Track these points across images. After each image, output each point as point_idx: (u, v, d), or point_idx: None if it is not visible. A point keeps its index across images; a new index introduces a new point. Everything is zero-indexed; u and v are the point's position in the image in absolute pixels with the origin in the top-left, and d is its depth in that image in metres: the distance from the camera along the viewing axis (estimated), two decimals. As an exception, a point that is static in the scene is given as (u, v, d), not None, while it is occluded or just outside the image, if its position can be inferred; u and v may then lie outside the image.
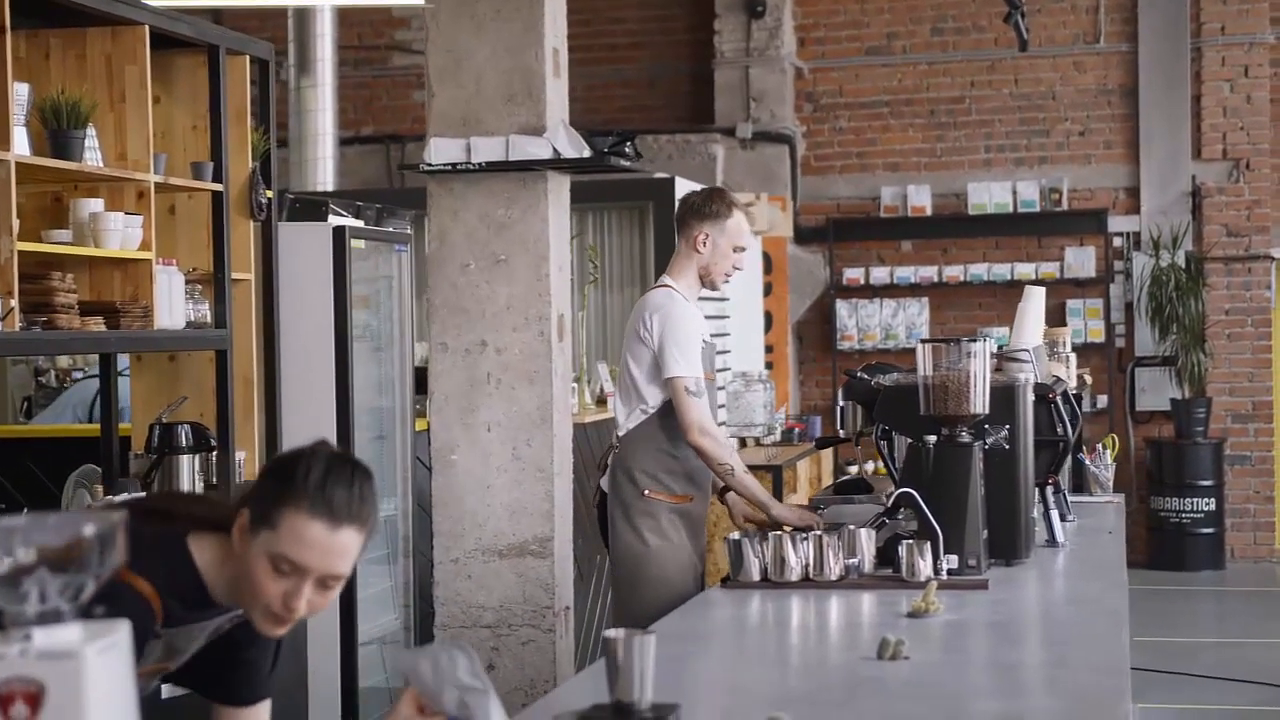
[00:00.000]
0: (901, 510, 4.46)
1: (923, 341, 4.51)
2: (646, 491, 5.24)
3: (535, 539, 5.70)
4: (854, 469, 10.99)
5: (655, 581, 5.20)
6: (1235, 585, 12.10)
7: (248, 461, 5.94)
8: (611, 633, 2.77)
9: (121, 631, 1.78)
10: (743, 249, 5.40)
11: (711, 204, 5.37)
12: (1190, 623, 10.85)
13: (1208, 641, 10.12)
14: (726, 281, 5.47)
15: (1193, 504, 12.40)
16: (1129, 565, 11.93)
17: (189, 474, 5.49)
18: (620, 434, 5.37)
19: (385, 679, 6.86)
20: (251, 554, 2.61)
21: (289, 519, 2.58)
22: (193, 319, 5.58)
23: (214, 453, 5.67)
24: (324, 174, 11.09)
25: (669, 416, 5.26)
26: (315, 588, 2.62)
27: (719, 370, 6.29)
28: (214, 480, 5.70)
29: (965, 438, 4.44)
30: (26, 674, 1.71)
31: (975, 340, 4.47)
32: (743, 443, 10.30)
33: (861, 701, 3.07)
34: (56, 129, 4.90)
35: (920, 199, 13.05)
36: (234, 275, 5.81)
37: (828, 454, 11.28)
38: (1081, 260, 12.83)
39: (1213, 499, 12.43)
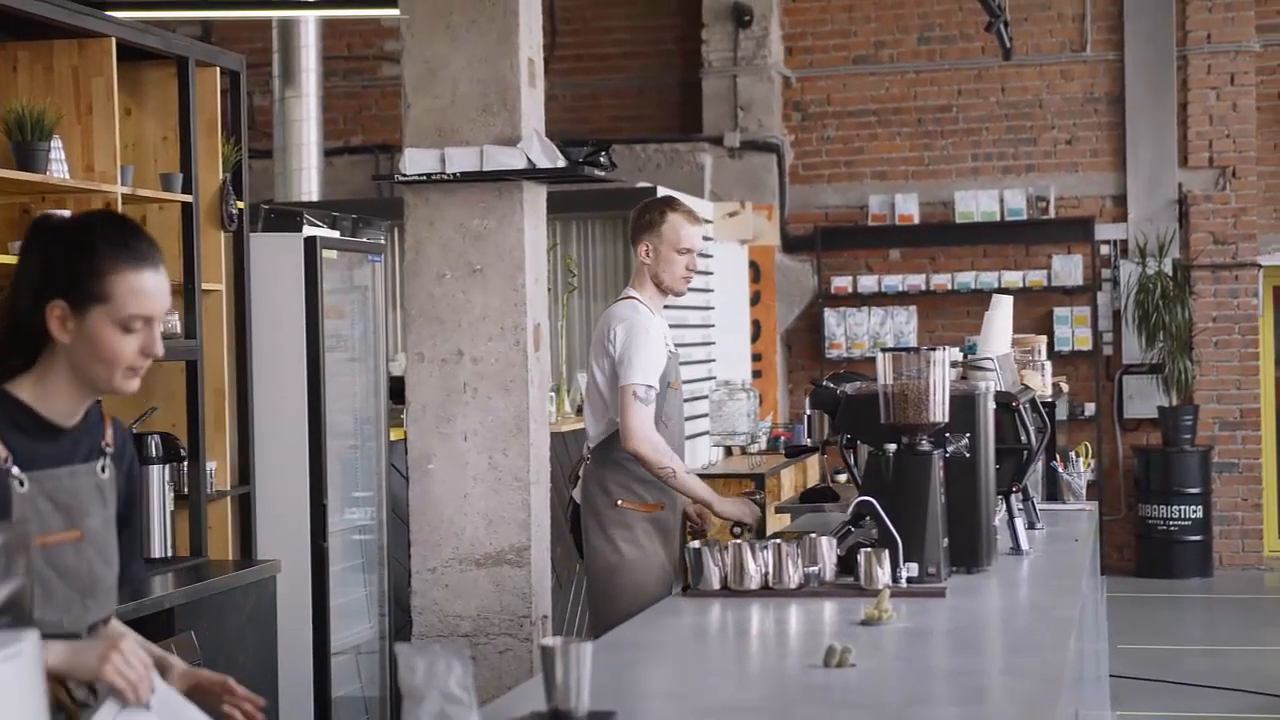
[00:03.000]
0: (865, 519, 4.47)
1: (883, 350, 4.52)
2: (620, 502, 5.33)
3: (512, 548, 5.70)
4: (843, 478, 10.99)
5: (631, 590, 5.25)
6: (1222, 593, 12.10)
7: (219, 472, 5.96)
8: (547, 641, 2.79)
9: (29, 641, 1.80)
10: (688, 250, 5.46)
11: (646, 214, 5.50)
12: (1177, 630, 10.86)
13: (1194, 649, 10.13)
14: (686, 284, 5.51)
15: (1180, 511, 12.41)
16: (1117, 573, 12.01)
17: (159, 484, 5.50)
18: (591, 445, 5.47)
19: (360, 688, 6.86)
20: (90, 333, 2.73)
21: (120, 284, 2.73)
22: (162, 329, 5.59)
23: (184, 463, 5.69)
24: (308, 184, 11.11)
25: None
26: (158, 329, 2.81)
27: (688, 381, 6.33)
28: (185, 491, 5.71)
29: (925, 446, 4.45)
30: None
31: (935, 349, 4.48)
32: (728, 451, 10.32)
33: (800, 708, 3.08)
34: (21, 141, 4.92)
35: (908, 208, 13.07)
36: (205, 286, 5.83)
37: (814, 462, 11.30)
38: (1069, 268, 12.84)
39: (1200, 506, 12.44)
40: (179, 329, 5.70)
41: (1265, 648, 10.21)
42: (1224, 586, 12.28)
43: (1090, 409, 12.75)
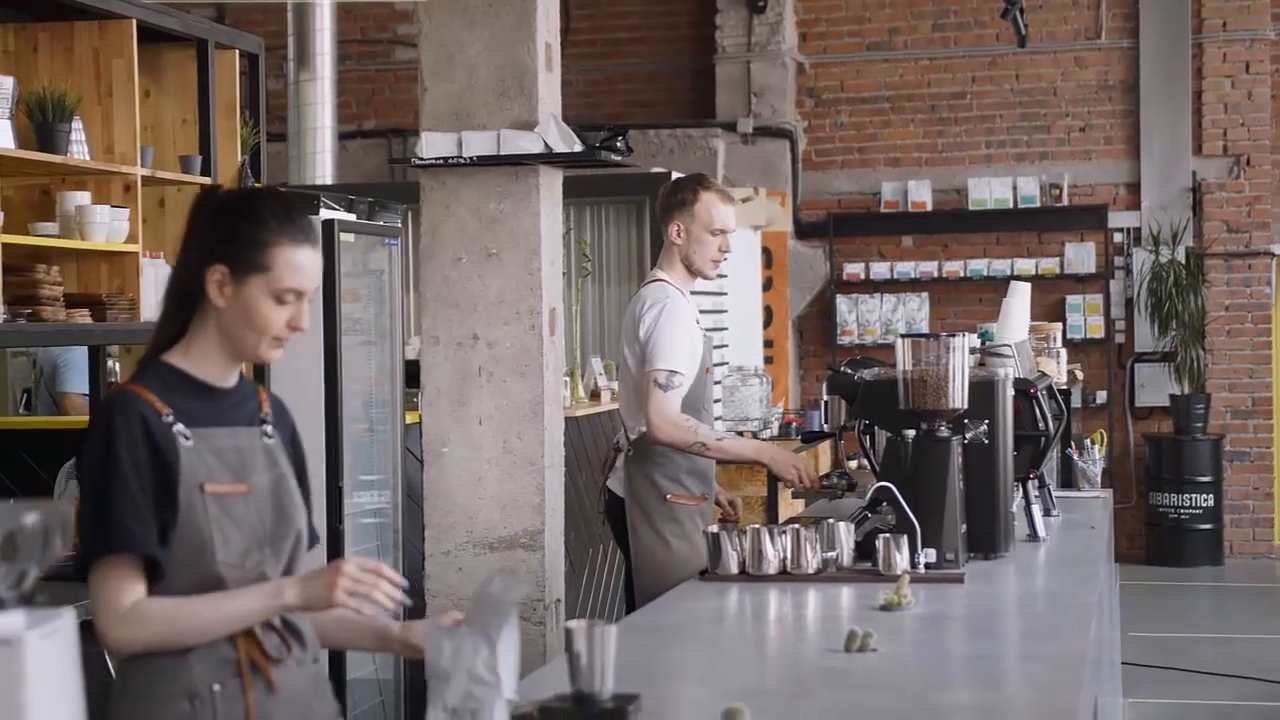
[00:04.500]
0: (883, 504, 4.47)
1: (902, 336, 4.52)
2: (669, 496, 5.21)
3: (526, 532, 5.70)
4: (854, 464, 10.98)
5: (679, 584, 5.18)
6: (1233, 581, 12.11)
7: (236, 453, 5.96)
8: (572, 624, 2.79)
9: (66, 619, 1.81)
10: (721, 231, 5.31)
11: (677, 193, 5.34)
12: (1188, 618, 10.87)
13: (1205, 637, 10.13)
14: (717, 267, 5.38)
15: (1191, 500, 12.41)
16: (1128, 561, 12.02)
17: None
18: (632, 436, 5.30)
19: (375, 670, 6.88)
20: (246, 300, 2.85)
21: (281, 257, 2.85)
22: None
23: (202, 444, 5.69)
24: (323, 168, 11.10)
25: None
26: (307, 305, 2.92)
27: (716, 365, 6.30)
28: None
29: (944, 432, 4.45)
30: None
31: (954, 335, 4.48)
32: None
33: (823, 693, 3.09)
34: (42, 122, 4.92)
35: (921, 194, 13.06)
36: (223, 268, 5.83)
37: (827, 448, 11.29)
38: (1082, 256, 12.83)
39: (1211, 495, 12.44)
40: (197, 311, 5.71)
41: (1276, 636, 10.21)
42: (1234, 575, 12.28)
43: (1102, 397, 12.75)
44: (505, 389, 5.69)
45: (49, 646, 1.78)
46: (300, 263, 2.86)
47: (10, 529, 1.77)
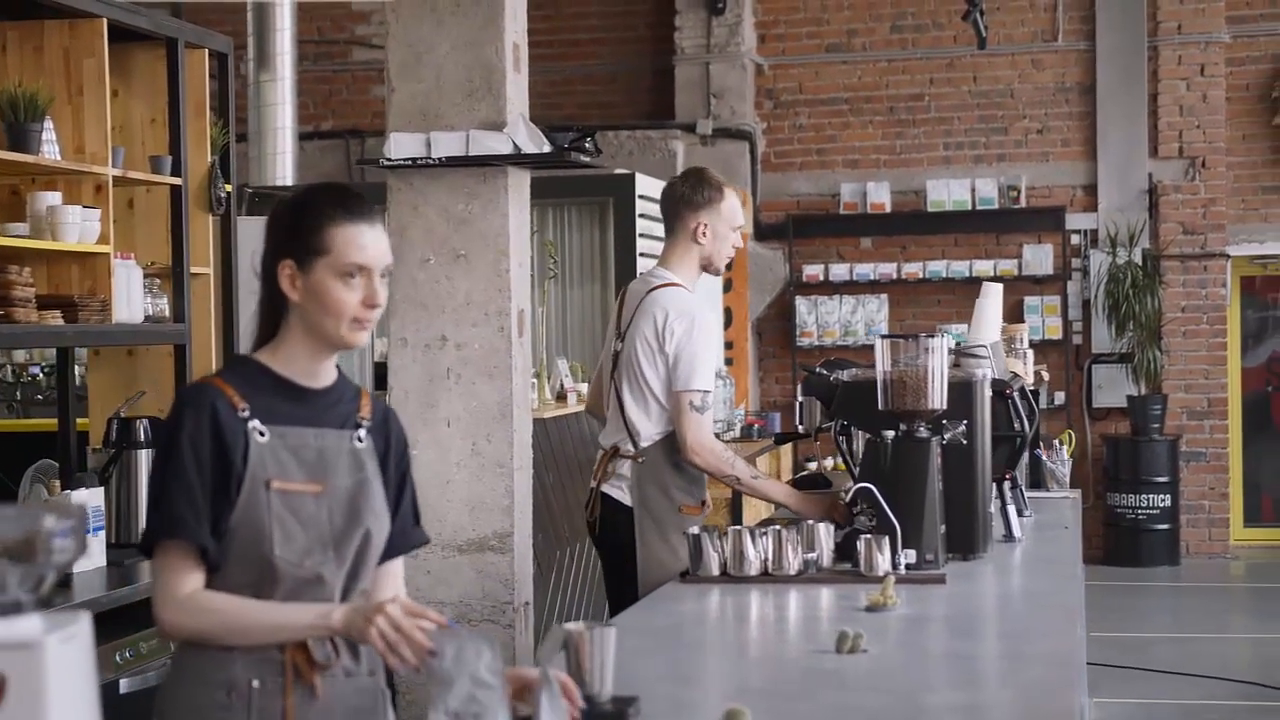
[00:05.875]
0: (860, 505, 4.47)
1: (882, 337, 4.53)
2: (682, 507, 5.08)
3: (495, 534, 5.70)
4: (812, 465, 11.02)
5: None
6: (1190, 581, 12.19)
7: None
8: (572, 626, 2.79)
9: (82, 623, 1.79)
10: (739, 227, 5.18)
11: (703, 190, 5.13)
12: (1145, 618, 10.92)
13: (1162, 636, 10.19)
14: (729, 261, 5.26)
15: (1148, 500, 12.49)
16: (1085, 561, 12.08)
17: (147, 469, 5.46)
18: (644, 444, 5.09)
19: (344, 674, 6.84)
20: (315, 286, 2.90)
21: (338, 236, 2.90)
22: (151, 313, 5.56)
23: (173, 447, 5.65)
24: (283, 168, 11.05)
25: None
26: (379, 282, 2.93)
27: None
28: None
29: (923, 433, 4.46)
30: (-13, 665, 1.72)
31: (933, 336, 4.49)
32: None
33: (820, 694, 3.09)
34: (13, 121, 4.88)
35: (880, 196, 13.10)
36: (193, 269, 5.79)
37: (787, 450, 11.33)
38: (1039, 258, 12.90)
39: (1168, 495, 12.52)
40: (167, 312, 5.67)
41: (1232, 635, 10.30)
42: (1191, 575, 12.37)
43: (1060, 398, 12.82)
44: (474, 391, 5.68)
45: (68, 650, 1.76)
46: (358, 239, 2.90)
47: (29, 532, 1.76)
